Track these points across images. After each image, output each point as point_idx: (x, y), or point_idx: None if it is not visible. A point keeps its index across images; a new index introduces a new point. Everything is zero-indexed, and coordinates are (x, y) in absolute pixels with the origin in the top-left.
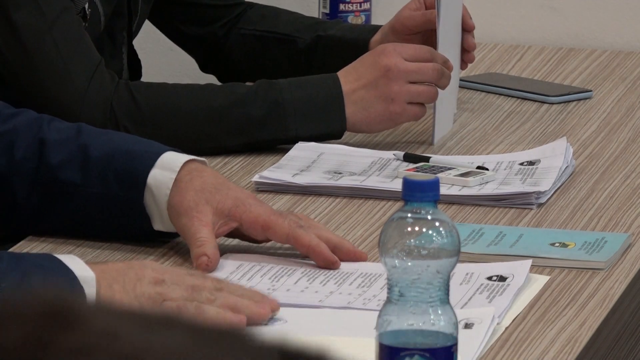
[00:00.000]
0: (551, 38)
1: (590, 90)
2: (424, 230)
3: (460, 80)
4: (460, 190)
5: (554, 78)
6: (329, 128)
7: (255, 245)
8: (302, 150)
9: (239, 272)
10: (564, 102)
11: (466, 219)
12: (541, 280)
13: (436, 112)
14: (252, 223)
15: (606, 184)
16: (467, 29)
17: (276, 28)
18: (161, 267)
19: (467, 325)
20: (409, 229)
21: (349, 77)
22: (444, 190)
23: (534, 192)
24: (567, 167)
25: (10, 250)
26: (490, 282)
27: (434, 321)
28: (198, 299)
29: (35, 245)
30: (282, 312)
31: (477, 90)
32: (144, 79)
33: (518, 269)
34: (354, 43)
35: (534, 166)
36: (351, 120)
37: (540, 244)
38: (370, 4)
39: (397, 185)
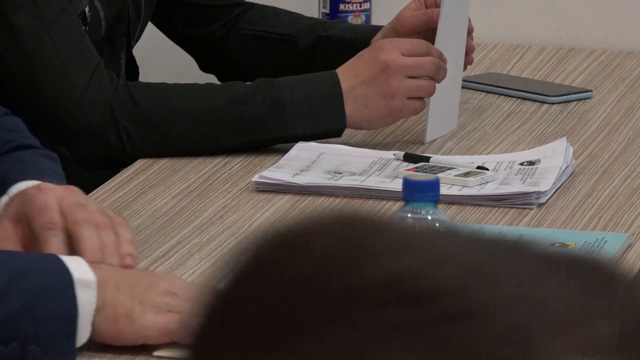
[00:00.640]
0: (551, 38)
1: (590, 90)
2: None
3: None
4: (460, 190)
5: (554, 78)
6: (329, 126)
7: None
8: (302, 150)
9: None
10: (564, 102)
11: (466, 219)
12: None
13: (430, 110)
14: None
15: (606, 184)
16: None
17: (276, 28)
18: (183, 283)
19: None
20: None
21: (348, 74)
22: (444, 190)
23: (534, 192)
24: (567, 167)
25: None
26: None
27: None
28: None
29: None
30: None
31: (477, 90)
32: (143, 79)
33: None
34: (355, 43)
35: (534, 166)
36: (351, 118)
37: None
38: (370, 4)
39: (397, 185)
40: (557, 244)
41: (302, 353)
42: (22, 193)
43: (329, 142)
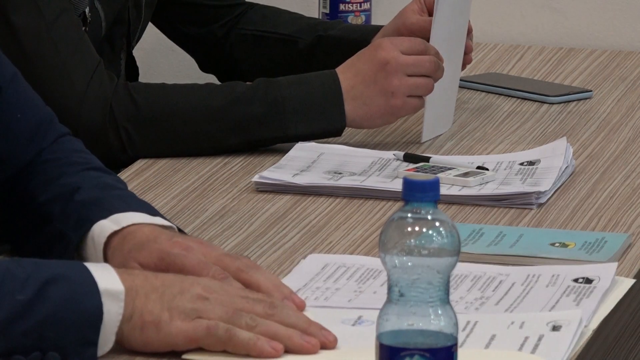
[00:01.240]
0: (551, 38)
1: (590, 90)
2: (424, 230)
3: (460, 80)
4: (460, 190)
5: (554, 78)
6: (329, 125)
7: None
8: (302, 151)
9: (325, 273)
10: (564, 102)
11: (466, 219)
12: (627, 282)
13: (427, 110)
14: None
15: (606, 184)
16: None
17: (277, 28)
18: (217, 286)
19: (555, 328)
20: (409, 229)
21: (348, 73)
22: (444, 190)
23: (534, 192)
24: (567, 167)
25: None
26: (577, 285)
27: (434, 321)
28: (236, 322)
29: None
30: (370, 314)
31: (477, 90)
32: (143, 79)
33: (604, 272)
34: (355, 43)
35: (534, 166)
36: (351, 116)
37: (540, 244)
38: (370, 4)
39: (397, 185)
40: (557, 244)
41: None
42: (160, 251)
43: (329, 142)
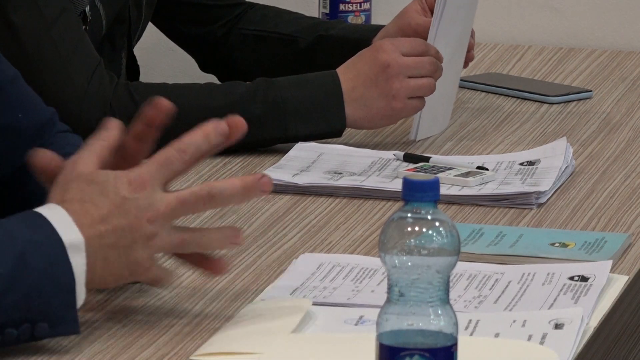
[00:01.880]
0: (551, 38)
1: (590, 90)
2: (424, 230)
3: (460, 80)
4: (460, 190)
5: (554, 78)
6: (329, 127)
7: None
8: (302, 151)
9: (320, 273)
10: (564, 102)
11: (466, 219)
12: (622, 280)
13: (423, 109)
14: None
15: (606, 184)
16: None
17: (277, 28)
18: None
19: (558, 326)
20: (409, 229)
21: (348, 74)
22: (444, 190)
23: (534, 192)
24: (567, 167)
25: None
26: (573, 283)
27: (434, 321)
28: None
29: None
30: (371, 314)
31: (477, 90)
32: (143, 79)
33: (599, 269)
34: (356, 43)
35: (534, 166)
36: (352, 118)
37: (540, 244)
38: (370, 4)
39: (397, 185)
40: (557, 244)
41: None
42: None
43: (329, 142)
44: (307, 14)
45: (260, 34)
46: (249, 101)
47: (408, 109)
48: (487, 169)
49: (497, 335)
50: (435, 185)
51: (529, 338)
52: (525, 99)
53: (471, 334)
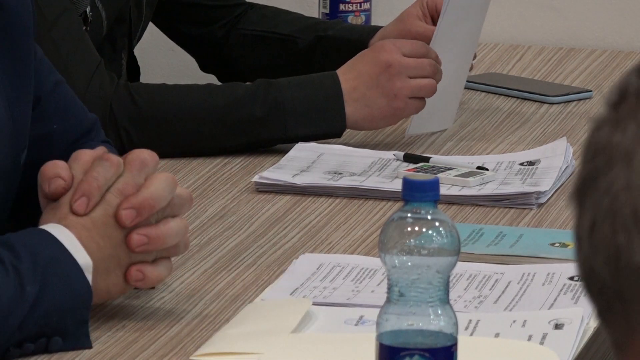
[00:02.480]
0: (551, 38)
1: (590, 90)
2: (424, 230)
3: None
4: (460, 190)
5: (554, 78)
6: (329, 127)
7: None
8: (302, 151)
9: (320, 273)
10: (564, 102)
11: (466, 219)
12: None
13: None
14: None
15: None
16: None
17: (276, 28)
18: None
19: (558, 326)
20: (409, 229)
21: (349, 74)
22: (444, 190)
23: (534, 192)
24: (567, 167)
25: None
26: (573, 283)
27: (434, 321)
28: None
29: None
30: (371, 314)
31: (477, 90)
32: (143, 79)
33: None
34: (355, 43)
35: (534, 166)
36: (353, 118)
37: (540, 244)
38: (370, 4)
39: (397, 186)
40: (557, 244)
41: None
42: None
43: (329, 143)
44: (307, 14)
45: (260, 34)
46: (249, 102)
47: (409, 108)
48: (487, 169)
49: (497, 335)
50: (435, 185)
51: (529, 338)
52: (525, 99)
53: (471, 334)
